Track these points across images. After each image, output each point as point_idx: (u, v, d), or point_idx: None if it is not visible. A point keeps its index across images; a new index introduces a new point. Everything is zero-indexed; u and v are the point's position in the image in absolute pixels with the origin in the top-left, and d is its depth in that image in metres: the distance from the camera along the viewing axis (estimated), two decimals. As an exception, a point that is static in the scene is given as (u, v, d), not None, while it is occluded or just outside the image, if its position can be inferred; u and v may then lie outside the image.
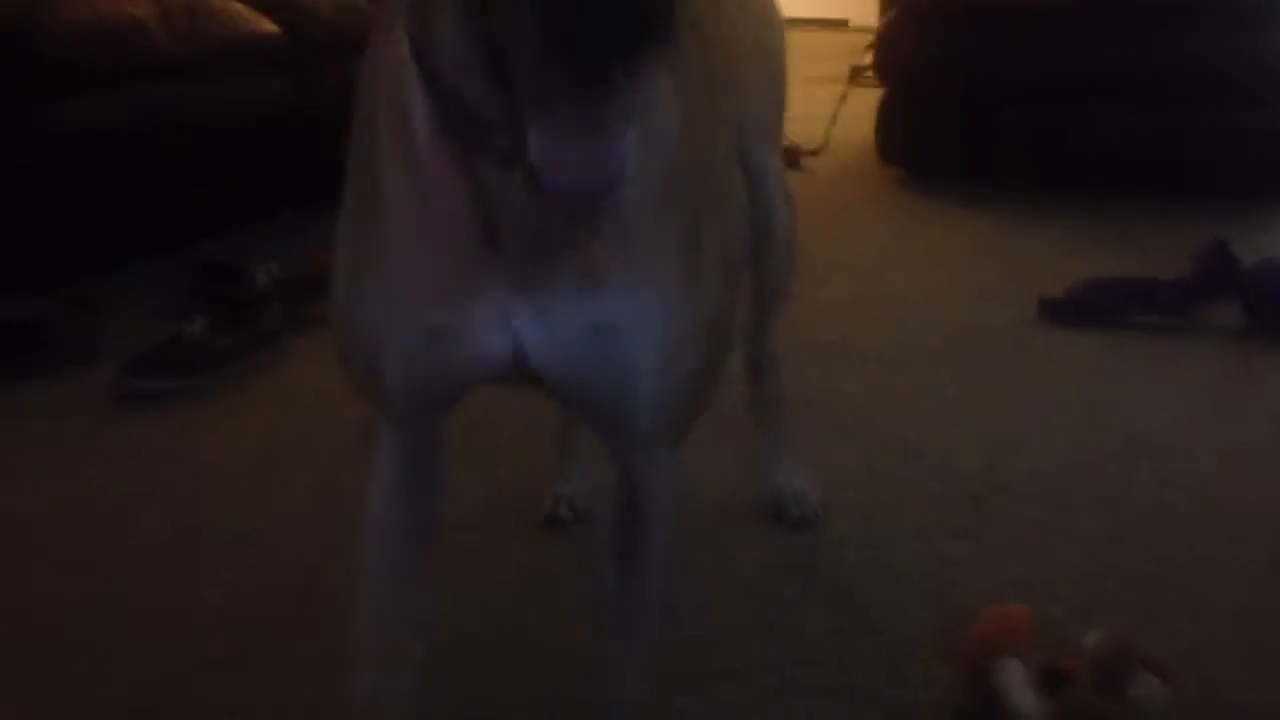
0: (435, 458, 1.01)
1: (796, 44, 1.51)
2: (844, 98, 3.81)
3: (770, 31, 1.45)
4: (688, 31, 0.84)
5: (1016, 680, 1.11)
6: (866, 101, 3.53)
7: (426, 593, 1.03)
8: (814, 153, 3.42)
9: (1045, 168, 3.00)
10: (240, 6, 2.73)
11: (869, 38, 4.30)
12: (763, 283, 1.52)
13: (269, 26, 2.87)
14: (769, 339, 1.59)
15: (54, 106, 2.40)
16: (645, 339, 0.84)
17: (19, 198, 2.38)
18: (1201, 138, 2.85)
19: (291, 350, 2.15)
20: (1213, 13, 2.80)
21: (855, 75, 4.03)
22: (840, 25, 5.02)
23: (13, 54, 2.32)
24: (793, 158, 3.12)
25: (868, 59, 4.03)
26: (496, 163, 0.73)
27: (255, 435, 1.85)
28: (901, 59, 3.10)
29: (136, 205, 2.62)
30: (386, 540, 1.00)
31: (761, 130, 1.41)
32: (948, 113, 3.06)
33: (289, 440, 1.82)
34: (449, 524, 1.52)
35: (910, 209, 2.93)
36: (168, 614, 1.38)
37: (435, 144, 0.77)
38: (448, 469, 1.03)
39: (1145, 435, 1.78)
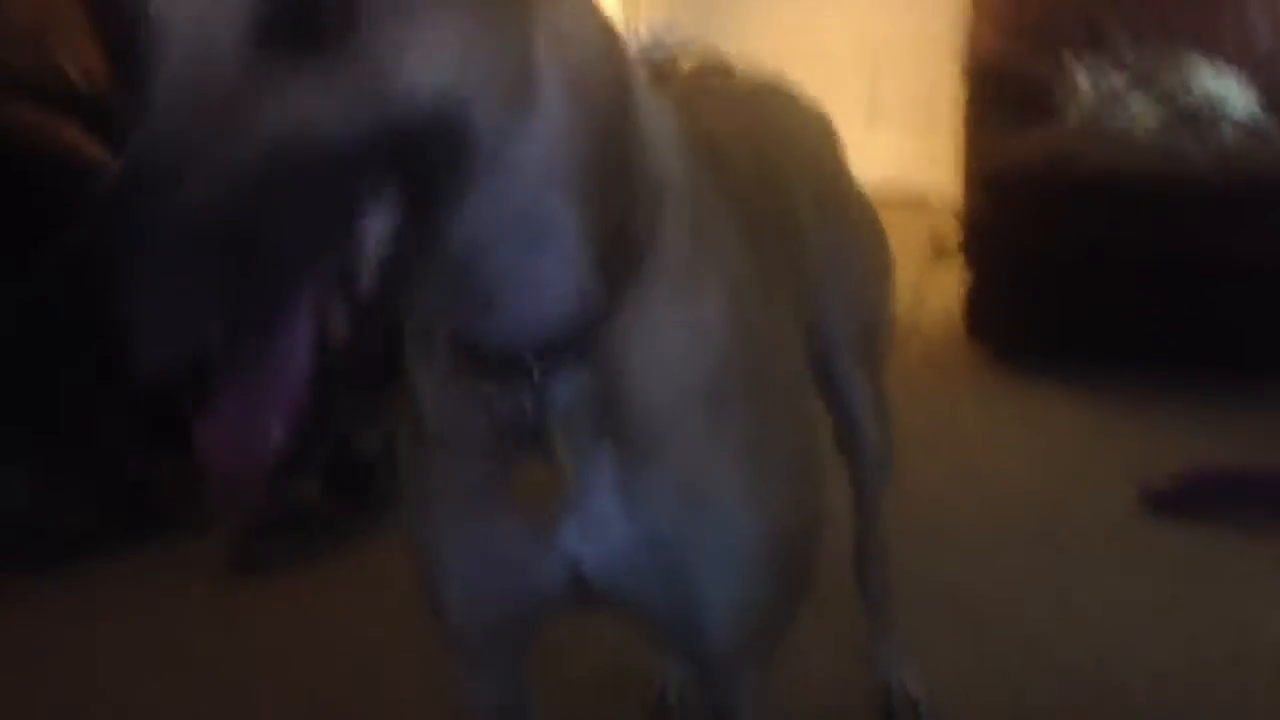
0: (522, 697, 1.00)
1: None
2: (928, 274, 3.87)
3: (859, 247, 1.41)
4: (738, 242, 0.86)
5: None
6: (952, 278, 3.57)
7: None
8: (901, 331, 3.47)
9: (1140, 348, 3.00)
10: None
11: (950, 213, 4.38)
12: (858, 488, 1.55)
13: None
14: (872, 533, 1.61)
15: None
16: (706, 554, 0.81)
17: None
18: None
19: (397, 519, 2.19)
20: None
21: (939, 252, 4.09)
22: (920, 202, 5.10)
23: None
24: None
25: (950, 235, 4.10)
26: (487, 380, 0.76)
27: (364, 603, 1.89)
28: (989, 238, 3.15)
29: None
30: None
31: (846, 343, 1.37)
32: (1037, 292, 3.08)
33: (401, 607, 1.85)
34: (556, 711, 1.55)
35: (1002, 389, 2.95)
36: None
37: (451, 366, 0.79)
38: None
39: (1260, 641, 1.75)
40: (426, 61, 0.59)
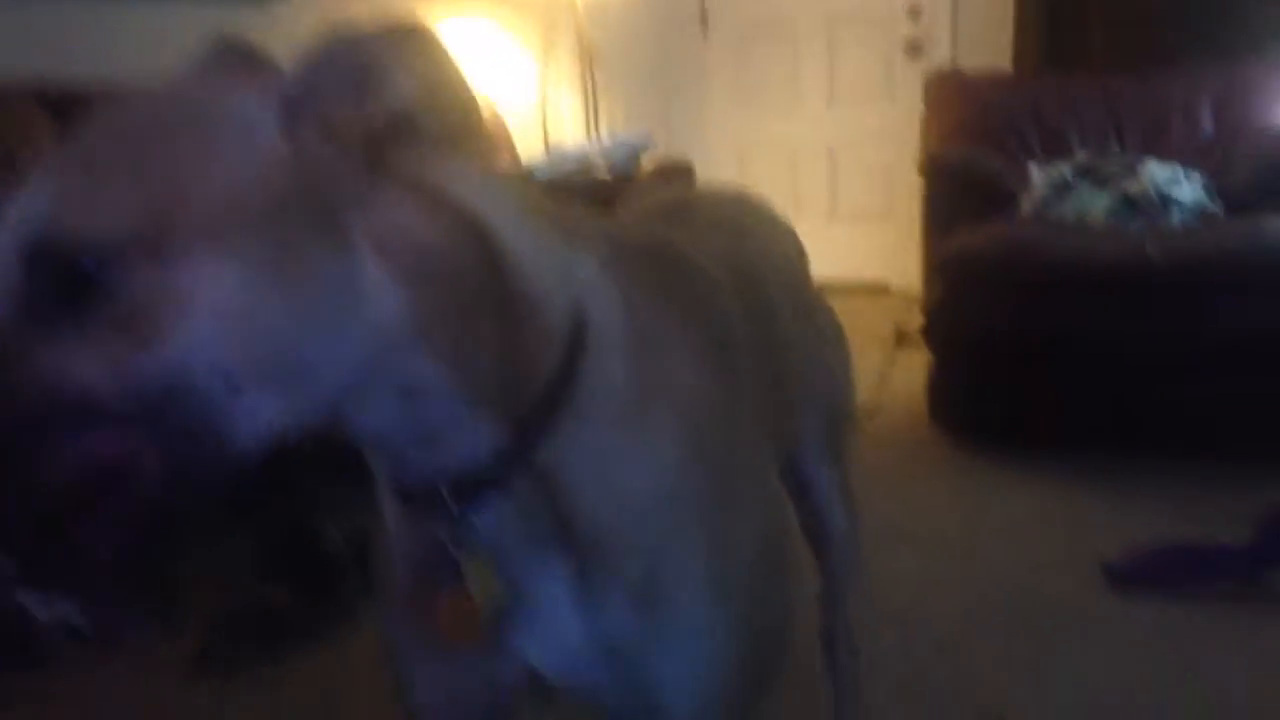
0: None
1: (838, 308, 1.55)
2: (891, 360, 3.93)
3: (824, 345, 1.42)
4: (701, 348, 0.87)
5: None
6: (913, 364, 3.63)
7: None
8: (865, 416, 3.51)
9: (1100, 432, 3.05)
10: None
11: (910, 301, 4.47)
12: (826, 578, 1.56)
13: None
14: (840, 614, 1.62)
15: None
16: (665, 660, 0.83)
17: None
18: (1259, 402, 2.89)
19: (368, 616, 2.18)
20: (1265, 283, 2.88)
21: (901, 338, 4.17)
22: (881, 289, 5.20)
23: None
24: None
25: (912, 322, 4.17)
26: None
27: (332, 703, 1.87)
28: (948, 326, 3.21)
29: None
30: None
31: (813, 438, 1.38)
32: (997, 378, 3.13)
33: (366, 708, 1.84)
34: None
35: (966, 473, 2.97)
36: None
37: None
38: None
39: (1226, 709, 1.76)
40: (193, 323, 0.62)
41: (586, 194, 3.81)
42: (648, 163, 4.21)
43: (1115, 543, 2.37)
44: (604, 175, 4.07)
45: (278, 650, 2.03)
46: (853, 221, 5.37)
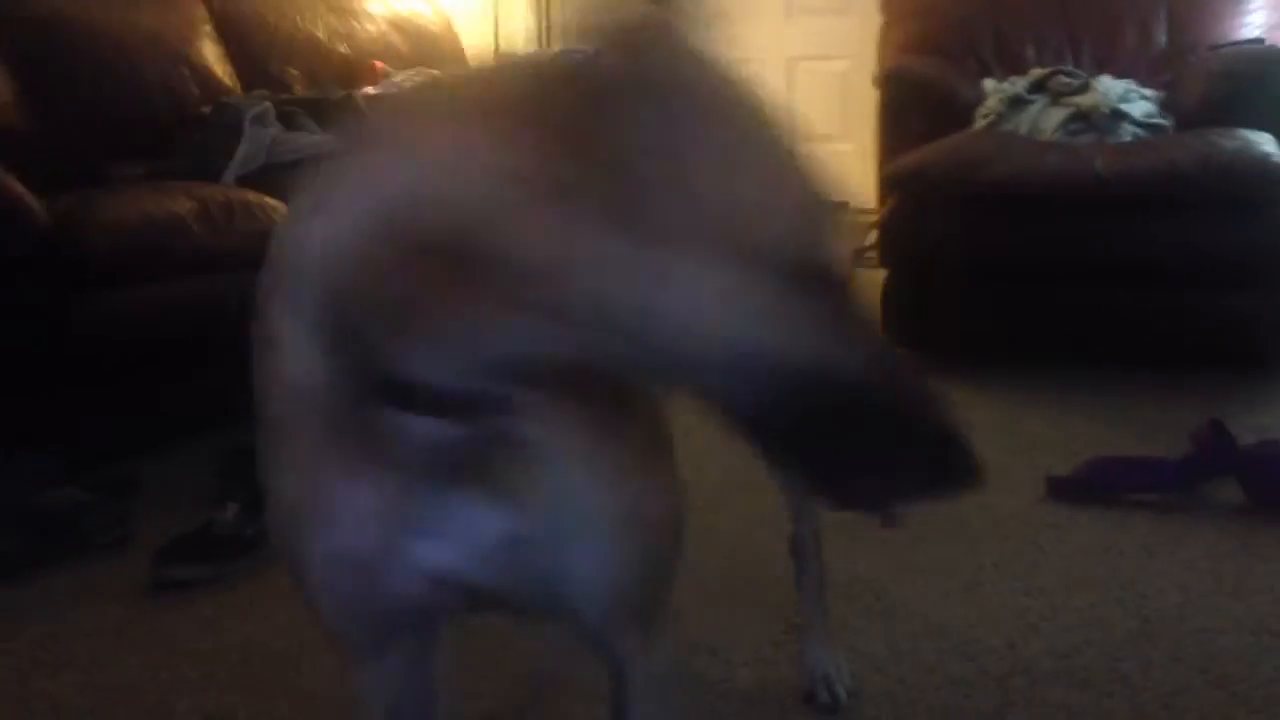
0: (424, 697, 1.02)
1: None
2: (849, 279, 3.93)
3: None
4: None
5: None
6: (870, 282, 3.64)
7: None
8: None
9: (1047, 347, 3.09)
10: (276, 202, 2.86)
11: (868, 219, 4.46)
12: (791, 492, 1.58)
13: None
14: (808, 524, 1.64)
15: (93, 300, 2.52)
16: (562, 554, 0.84)
17: (55, 386, 2.48)
18: (1200, 318, 2.95)
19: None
20: (1212, 200, 2.91)
21: (858, 256, 4.17)
22: (839, 208, 5.18)
23: (57, 252, 2.46)
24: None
25: (869, 240, 4.18)
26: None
27: (282, 622, 1.88)
28: (901, 241, 3.23)
29: (170, 391, 2.71)
30: None
31: None
32: (949, 295, 3.17)
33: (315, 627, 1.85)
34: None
35: (917, 388, 3.00)
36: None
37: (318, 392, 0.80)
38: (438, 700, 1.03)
39: (1159, 614, 1.81)
40: None
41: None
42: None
43: (1058, 455, 2.41)
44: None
45: (227, 572, 2.04)
46: (809, 137, 5.33)
